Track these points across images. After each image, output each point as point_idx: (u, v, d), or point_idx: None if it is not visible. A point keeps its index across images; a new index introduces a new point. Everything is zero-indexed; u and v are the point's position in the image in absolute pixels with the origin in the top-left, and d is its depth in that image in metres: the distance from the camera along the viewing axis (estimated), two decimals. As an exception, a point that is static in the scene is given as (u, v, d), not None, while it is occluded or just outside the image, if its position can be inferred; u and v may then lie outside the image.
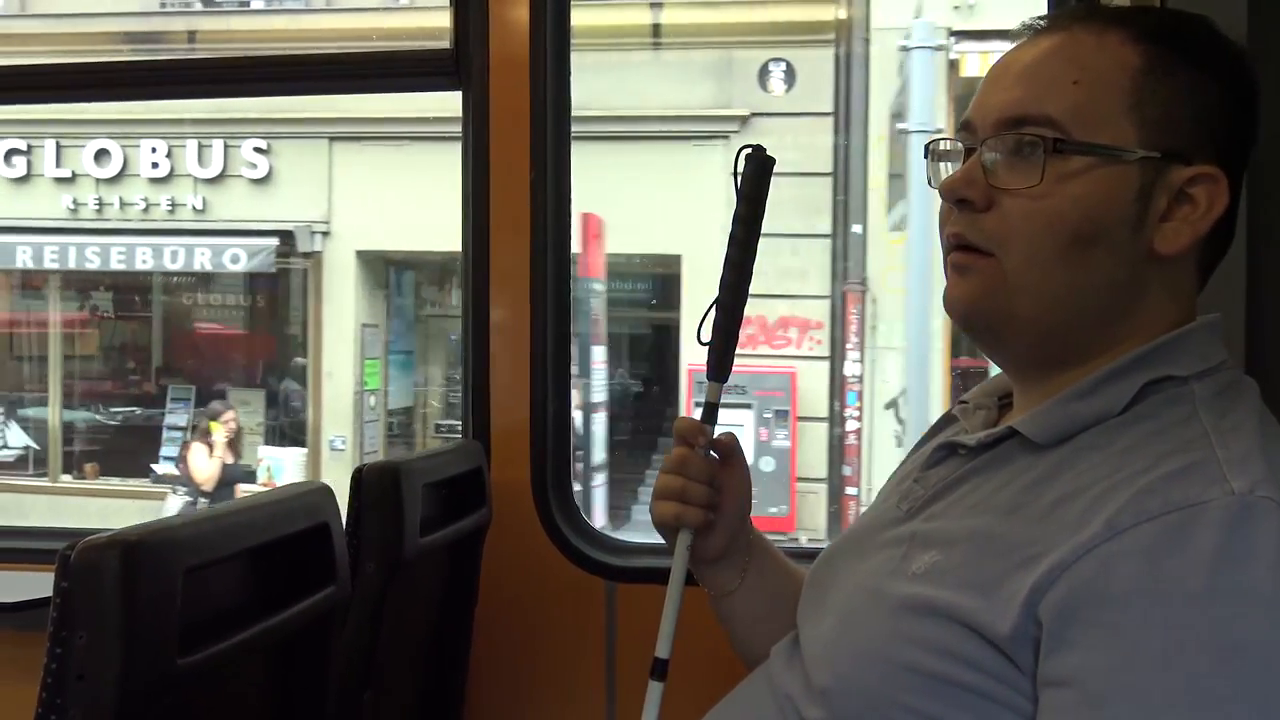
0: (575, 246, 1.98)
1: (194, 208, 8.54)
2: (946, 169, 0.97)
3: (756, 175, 1.08)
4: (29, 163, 8.67)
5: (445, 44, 1.85)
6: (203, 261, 8.60)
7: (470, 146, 1.84)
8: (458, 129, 1.86)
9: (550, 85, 1.82)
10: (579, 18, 1.86)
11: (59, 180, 8.67)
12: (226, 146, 8.40)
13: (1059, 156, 0.87)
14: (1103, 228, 0.88)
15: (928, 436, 1.13)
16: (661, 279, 8.32)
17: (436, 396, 9.41)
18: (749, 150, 1.08)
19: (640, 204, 7.19)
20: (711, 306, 1.10)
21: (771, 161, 1.09)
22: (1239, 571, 0.74)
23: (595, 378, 6.70)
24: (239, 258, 8.52)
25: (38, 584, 1.85)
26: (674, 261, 7.65)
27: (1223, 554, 0.74)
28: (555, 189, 1.83)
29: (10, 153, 8.66)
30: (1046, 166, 0.87)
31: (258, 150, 8.39)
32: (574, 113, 1.86)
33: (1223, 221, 0.91)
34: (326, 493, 1.24)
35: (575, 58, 1.85)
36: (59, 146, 8.58)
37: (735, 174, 1.08)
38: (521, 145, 1.81)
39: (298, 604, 1.15)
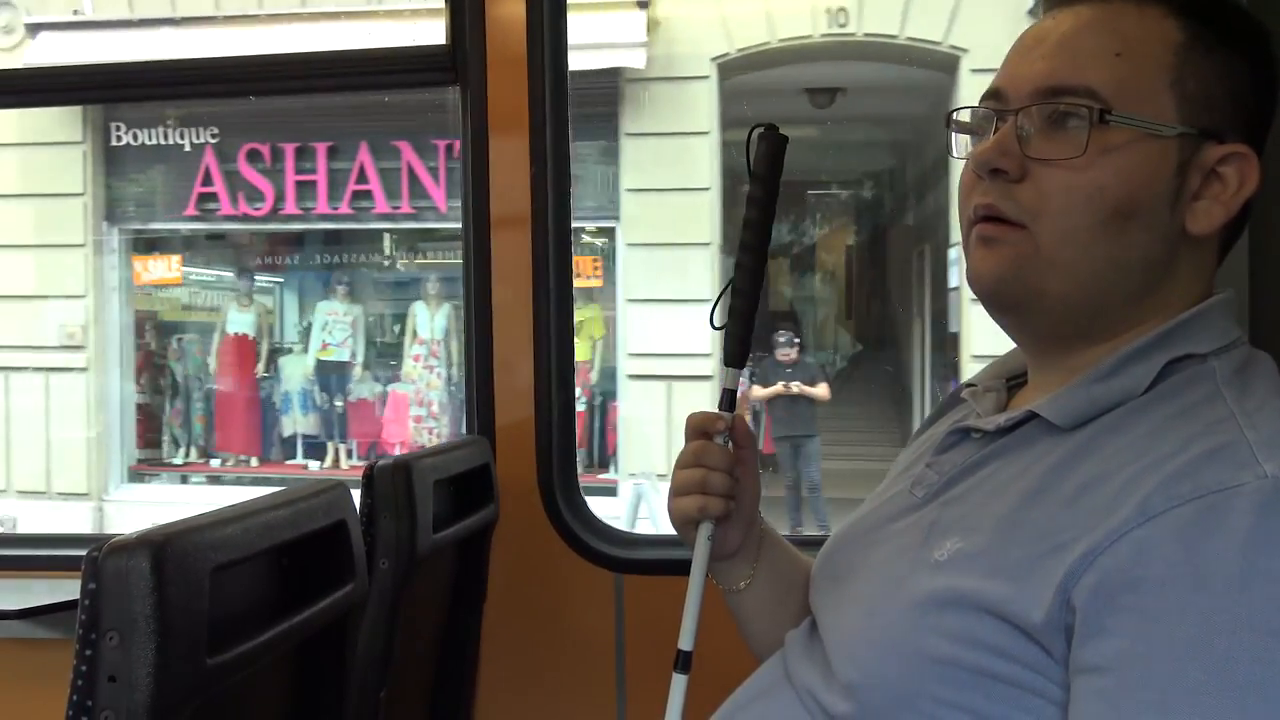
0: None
1: None
2: (965, 141, 0.95)
3: (770, 155, 1.03)
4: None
5: (442, 41, 1.85)
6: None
7: (469, 143, 1.84)
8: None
9: (549, 80, 1.82)
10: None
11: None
12: None
13: (1102, 128, 0.86)
14: (1141, 203, 0.87)
15: (932, 419, 1.11)
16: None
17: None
18: (761, 129, 1.04)
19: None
20: (725, 290, 1.06)
21: (784, 140, 1.04)
22: (1274, 554, 0.73)
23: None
24: None
25: (41, 591, 1.86)
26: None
27: (1258, 537, 0.73)
28: (556, 184, 1.83)
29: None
30: (1090, 138, 0.86)
31: None
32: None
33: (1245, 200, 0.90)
34: (342, 490, 1.24)
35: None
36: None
37: (748, 154, 1.03)
38: (521, 141, 1.81)
39: (319, 602, 1.15)
